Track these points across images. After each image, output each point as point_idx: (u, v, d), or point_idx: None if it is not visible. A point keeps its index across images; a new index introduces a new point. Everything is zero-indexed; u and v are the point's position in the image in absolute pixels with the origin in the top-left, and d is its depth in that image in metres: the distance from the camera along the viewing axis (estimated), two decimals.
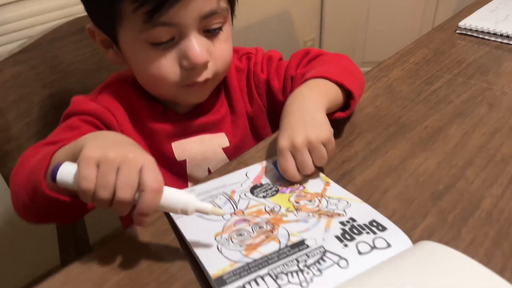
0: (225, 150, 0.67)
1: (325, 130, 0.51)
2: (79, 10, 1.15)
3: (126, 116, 0.62)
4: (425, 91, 0.71)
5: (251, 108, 0.70)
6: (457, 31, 0.92)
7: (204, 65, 0.57)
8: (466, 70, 0.77)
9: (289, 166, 0.51)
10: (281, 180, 0.53)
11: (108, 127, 0.61)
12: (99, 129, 0.60)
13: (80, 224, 0.82)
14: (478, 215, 0.47)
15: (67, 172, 0.42)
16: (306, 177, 0.53)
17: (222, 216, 0.48)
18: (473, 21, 0.92)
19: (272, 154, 0.57)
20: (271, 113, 0.70)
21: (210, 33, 0.57)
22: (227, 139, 0.67)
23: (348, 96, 0.61)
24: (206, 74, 0.58)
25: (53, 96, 0.75)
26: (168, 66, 0.57)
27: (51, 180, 0.42)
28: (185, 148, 0.64)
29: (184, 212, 0.43)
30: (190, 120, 0.65)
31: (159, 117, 0.64)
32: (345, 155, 0.58)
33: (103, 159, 0.40)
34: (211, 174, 0.57)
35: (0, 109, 0.67)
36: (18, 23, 1.06)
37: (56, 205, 0.47)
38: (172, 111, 0.65)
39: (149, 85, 0.61)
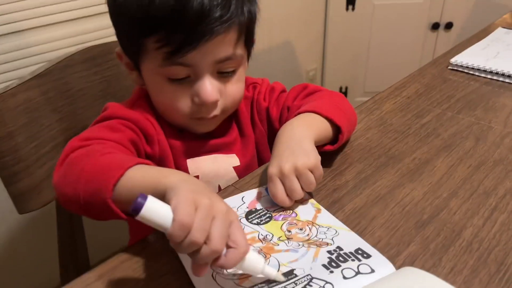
0: (235, 169, 0.71)
1: (311, 157, 0.55)
2: (94, 37, 1.21)
3: (160, 127, 0.67)
4: (415, 124, 0.74)
5: (254, 132, 0.74)
6: (449, 67, 0.96)
7: (214, 104, 0.62)
8: (455, 105, 0.80)
9: (278, 191, 0.54)
10: (275, 205, 0.56)
11: (145, 135, 0.64)
12: (137, 135, 0.63)
13: (81, 245, 0.85)
14: (459, 244, 0.50)
15: (154, 208, 0.40)
16: (298, 204, 0.56)
17: None
18: (464, 57, 0.96)
19: (266, 181, 0.60)
20: (270, 138, 0.75)
21: (223, 75, 0.62)
22: (237, 159, 0.71)
23: (338, 131, 0.65)
24: (215, 111, 0.63)
25: (61, 120, 0.79)
26: (181, 100, 0.62)
27: (131, 211, 0.39)
28: (199, 165, 0.69)
29: (253, 273, 0.44)
30: (204, 141, 0.70)
31: (176, 135, 0.68)
32: (336, 183, 0.61)
33: (200, 204, 0.40)
34: None
35: (11, 131, 0.71)
36: (40, 47, 1.13)
37: (107, 212, 0.47)
38: (188, 132, 0.69)
39: (163, 112, 0.66)
